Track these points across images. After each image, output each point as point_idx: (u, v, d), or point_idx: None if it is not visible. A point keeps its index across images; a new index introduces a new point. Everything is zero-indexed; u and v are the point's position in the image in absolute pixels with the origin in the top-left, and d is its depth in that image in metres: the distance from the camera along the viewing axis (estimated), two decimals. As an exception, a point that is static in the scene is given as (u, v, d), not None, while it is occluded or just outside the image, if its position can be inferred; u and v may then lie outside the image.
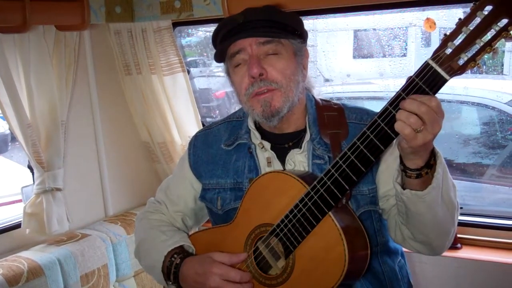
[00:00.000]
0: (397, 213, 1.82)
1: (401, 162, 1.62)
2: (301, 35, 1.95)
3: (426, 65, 1.44)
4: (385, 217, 1.93)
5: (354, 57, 4.54)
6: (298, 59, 1.92)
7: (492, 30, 1.36)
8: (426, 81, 1.44)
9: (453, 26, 1.43)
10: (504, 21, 1.34)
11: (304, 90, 1.99)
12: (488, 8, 1.37)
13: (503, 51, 3.64)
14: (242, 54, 1.88)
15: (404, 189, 1.65)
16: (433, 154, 1.60)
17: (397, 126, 1.48)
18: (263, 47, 1.85)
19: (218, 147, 2.10)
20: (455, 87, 3.52)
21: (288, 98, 1.86)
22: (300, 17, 1.98)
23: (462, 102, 3.78)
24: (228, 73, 1.99)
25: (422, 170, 1.59)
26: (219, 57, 1.97)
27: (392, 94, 1.52)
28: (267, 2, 2.03)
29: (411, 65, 3.86)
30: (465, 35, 1.40)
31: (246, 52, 1.87)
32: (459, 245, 2.94)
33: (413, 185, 1.63)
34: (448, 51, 1.42)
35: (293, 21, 1.93)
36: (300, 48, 1.94)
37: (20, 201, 3.23)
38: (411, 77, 1.48)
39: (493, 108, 3.72)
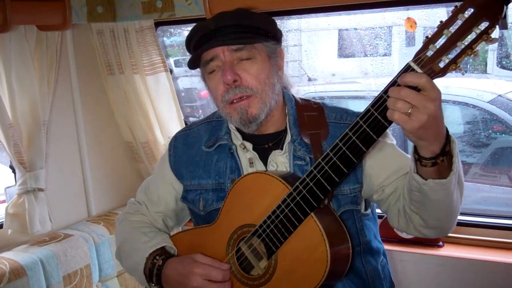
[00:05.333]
0: (405, 203, 1.77)
1: (416, 151, 1.57)
2: (274, 36, 1.94)
3: (407, 67, 1.44)
4: (384, 209, 1.92)
5: (339, 56, 4.55)
6: (273, 61, 1.92)
7: (473, 33, 1.36)
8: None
9: (434, 25, 1.43)
10: (485, 24, 1.34)
11: (280, 91, 1.99)
12: (470, 11, 1.36)
13: (487, 50, 3.67)
14: (216, 61, 1.87)
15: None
16: (448, 140, 1.55)
17: (387, 113, 1.46)
18: (236, 53, 1.84)
19: (198, 148, 2.09)
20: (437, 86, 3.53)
21: (265, 103, 1.86)
22: (279, 17, 1.97)
23: (444, 101, 3.80)
24: (204, 78, 1.99)
25: (437, 158, 1.53)
26: (193, 64, 1.95)
27: (374, 94, 1.51)
28: (248, 2, 2.02)
29: (395, 64, 3.87)
30: (446, 37, 1.39)
31: (219, 59, 1.86)
32: (440, 243, 2.95)
33: (428, 174, 1.57)
34: (430, 53, 1.42)
35: (265, 23, 1.92)
36: (274, 50, 1.93)
37: (3, 201, 3.20)
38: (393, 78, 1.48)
39: (475, 106, 3.75)
